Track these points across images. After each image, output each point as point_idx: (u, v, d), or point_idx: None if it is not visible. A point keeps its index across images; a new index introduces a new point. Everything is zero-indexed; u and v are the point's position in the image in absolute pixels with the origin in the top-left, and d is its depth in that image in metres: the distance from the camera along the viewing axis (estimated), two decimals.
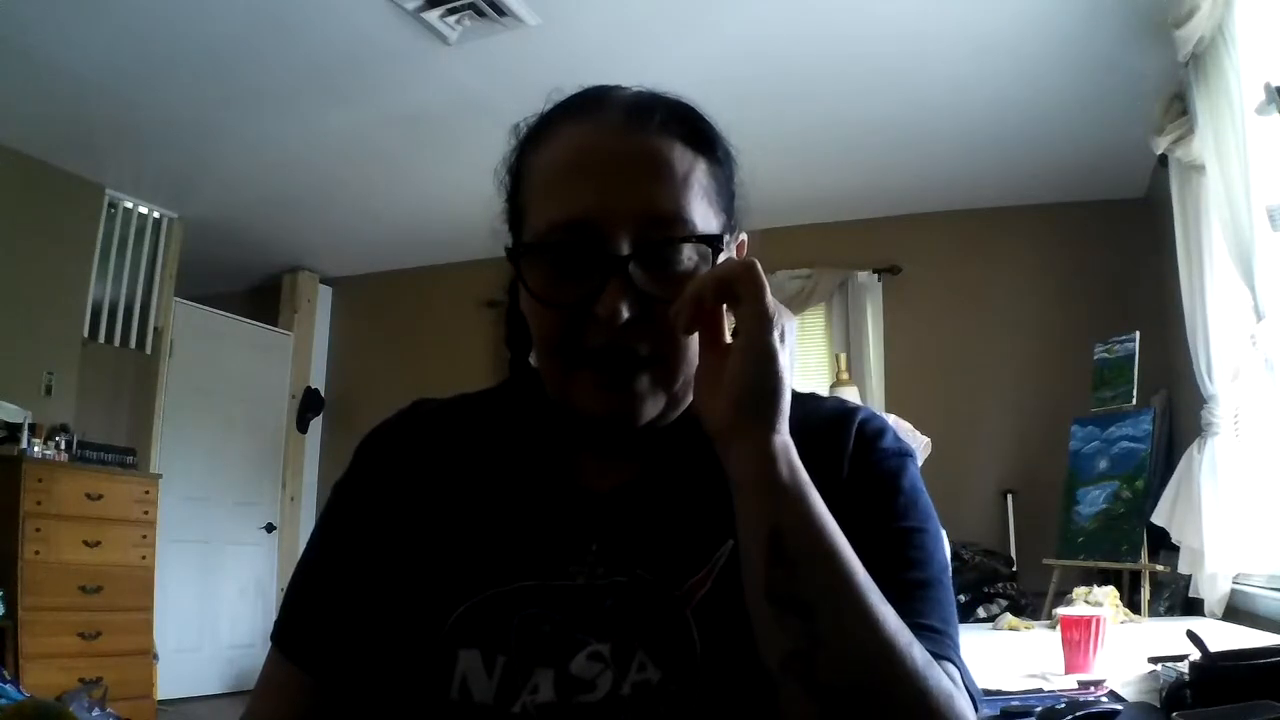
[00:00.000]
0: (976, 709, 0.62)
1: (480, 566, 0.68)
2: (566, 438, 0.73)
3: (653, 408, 0.67)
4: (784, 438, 0.60)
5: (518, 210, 0.71)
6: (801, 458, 0.63)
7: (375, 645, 0.70)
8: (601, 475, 0.72)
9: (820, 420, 0.72)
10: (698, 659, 0.63)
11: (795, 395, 0.71)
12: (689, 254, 0.65)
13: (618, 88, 0.72)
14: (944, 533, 0.72)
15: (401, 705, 0.68)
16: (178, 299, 5.06)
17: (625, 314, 0.63)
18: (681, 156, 0.67)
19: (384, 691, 0.70)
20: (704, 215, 0.67)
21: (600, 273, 0.63)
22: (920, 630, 0.59)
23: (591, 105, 0.70)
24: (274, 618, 0.76)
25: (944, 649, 0.61)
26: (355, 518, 0.75)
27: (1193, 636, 1.16)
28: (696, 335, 0.66)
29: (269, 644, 0.75)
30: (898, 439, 0.73)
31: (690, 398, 0.70)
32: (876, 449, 0.71)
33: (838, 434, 0.71)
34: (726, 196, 0.71)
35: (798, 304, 4.70)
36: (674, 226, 0.65)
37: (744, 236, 0.75)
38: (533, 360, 0.75)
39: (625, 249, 0.64)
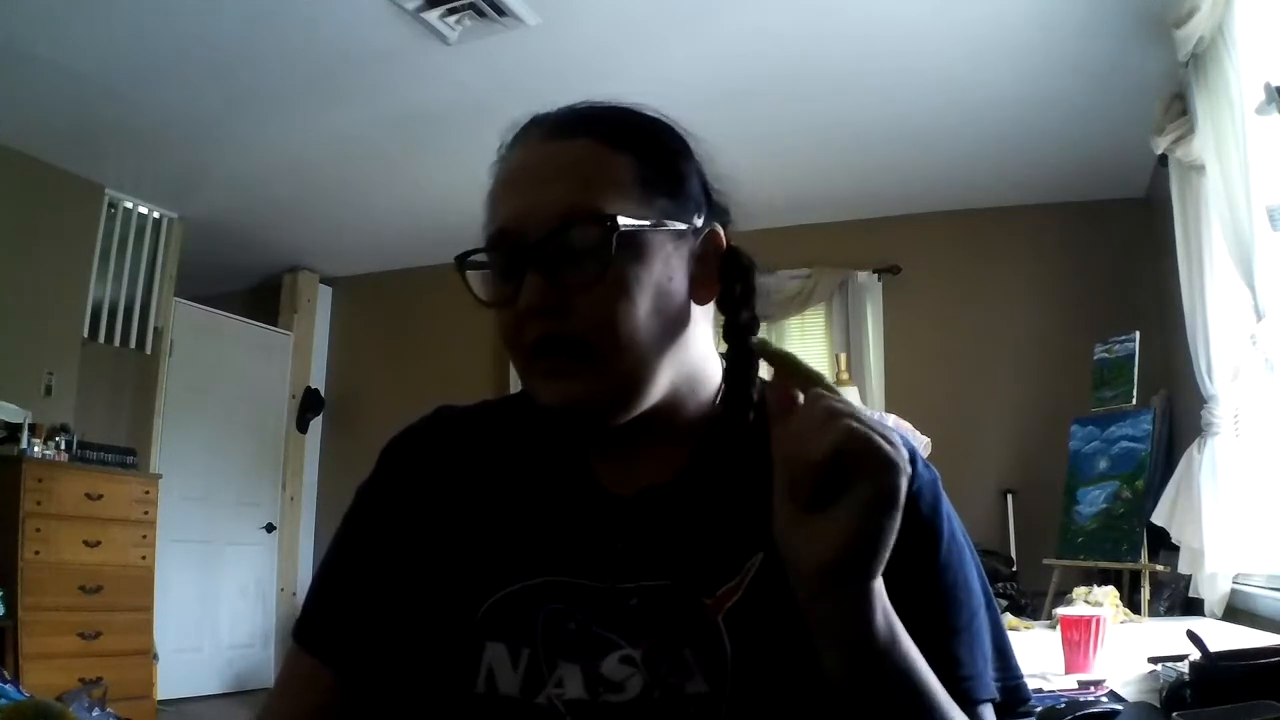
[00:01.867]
0: (1027, 703, 0.69)
1: (506, 562, 0.70)
2: (583, 443, 0.75)
3: (590, 387, 0.67)
4: (879, 581, 0.57)
5: None
6: None
7: (400, 641, 0.72)
8: (622, 478, 0.73)
9: None
10: (729, 667, 0.65)
11: None
12: (588, 242, 0.66)
13: (552, 110, 0.74)
14: (971, 548, 0.73)
15: (428, 698, 0.70)
16: (178, 299, 5.06)
17: (538, 301, 0.66)
18: (599, 154, 0.69)
19: (410, 685, 0.71)
20: (622, 204, 0.67)
21: (520, 270, 0.67)
22: (963, 682, 0.64)
23: (526, 128, 0.74)
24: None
25: (982, 690, 0.66)
26: (381, 519, 0.77)
27: (1193, 636, 1.16)
28: (637, 315, 0.67)
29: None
30: (927, 464, 0.73)
31: (653, 377, 0.69)
32: (913, 486, 0.69)
33: None
34: (669, 187, 0.71)
35: (798, 304, 4.70)
36: (579, 216, 0.66)
37: (718, 228, 0.74)
38: None
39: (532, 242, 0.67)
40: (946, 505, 0.71)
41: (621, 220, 0.66)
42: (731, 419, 0.72)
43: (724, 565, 0.67)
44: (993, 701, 0.67)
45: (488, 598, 0.69)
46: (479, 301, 0.71)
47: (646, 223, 0.68)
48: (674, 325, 0.70)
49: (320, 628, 0.75)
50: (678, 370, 0.71)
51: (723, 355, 0.76)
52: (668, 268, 0.69)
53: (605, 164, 0.69)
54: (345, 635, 0.74)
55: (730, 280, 0.73)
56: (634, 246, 0.67)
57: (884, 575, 0.61)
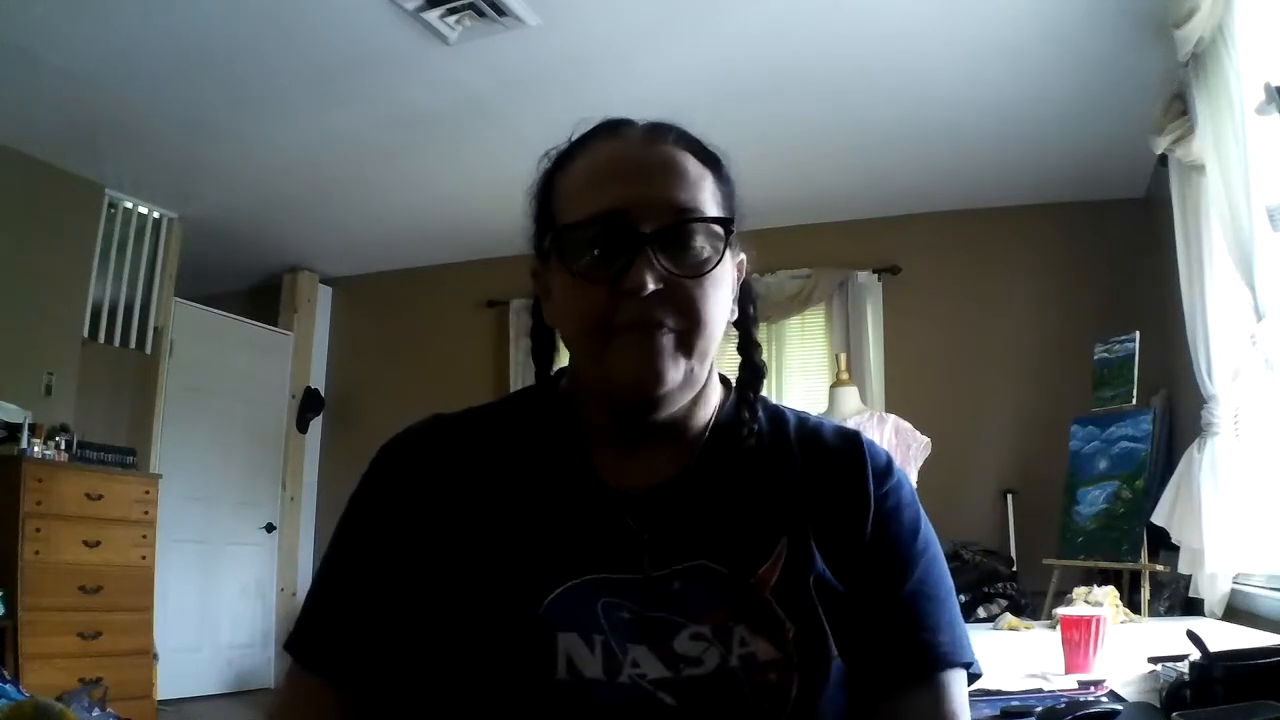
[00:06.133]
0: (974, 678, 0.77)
1: (544, 564, 0.72)
2: (588, 444, 0.79)
3: (675, 372, 0.73)
4: None
5: (549, 219, 0.79)
6: (815, 472, 0.78)
7: (421, 653, 0.72)
8: (626, 479, 0.77)
9: (830, 442, 0.82)
10: (791, 636, 0.71)
11: (783, 411, 0.84)
12: (702, 241, 0.74)
13: (632, 119, 0.81)
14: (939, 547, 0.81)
15: (488, 697, 0.69)
16: (178, 299, 5.06)
17: (650, 285, 0.71)
18: (694, 164, 0.77)
19: (460, 690, 0.70)
20: (714, 212, 0.77)
21: (629, 252, 0.72)
22: (926, 656, 0.73)
23: (615, 126, 0.80)
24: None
25: (959, 654, 0.75)
26: (387, 526, 0.77)
27: (1193, 636, 1.16)
28: (718, 317, 0.76)
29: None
30: (897, 467, 0.82)
31: (704, 377, 0.78)
32: (890, 482, 0.80)
33: (853, 459, 0.80)
34: (730, 210, 0.79)
35: (798, 304, 4.71)
36: (690, 214, 0.75)
37: (743, 258, 0.83)
38: (556, 366, 0.84)
39: (650, 230, 0.73)
40: (919, 510, 0.81)
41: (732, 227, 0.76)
42: (737, 425, 0.80)
43: (753, 549, 0.74)
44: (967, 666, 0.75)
45: (544, 595, 0.71)
46: (576, 275, 0.73)
47: (735, 232, 0.77)
48: (721, 335, 0.78)
49: (327, 644, 0.74)
50: (706, 377, 0.79)
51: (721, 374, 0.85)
52: (731, 281, 0.79)
53: (702, 174, 0.77)
54: (355, 651, 0.73)
55: (745, 303, 0.84)
56: (726, 253, 0.76)
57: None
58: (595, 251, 0.73)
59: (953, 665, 0.74)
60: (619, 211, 0.73)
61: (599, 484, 0.76)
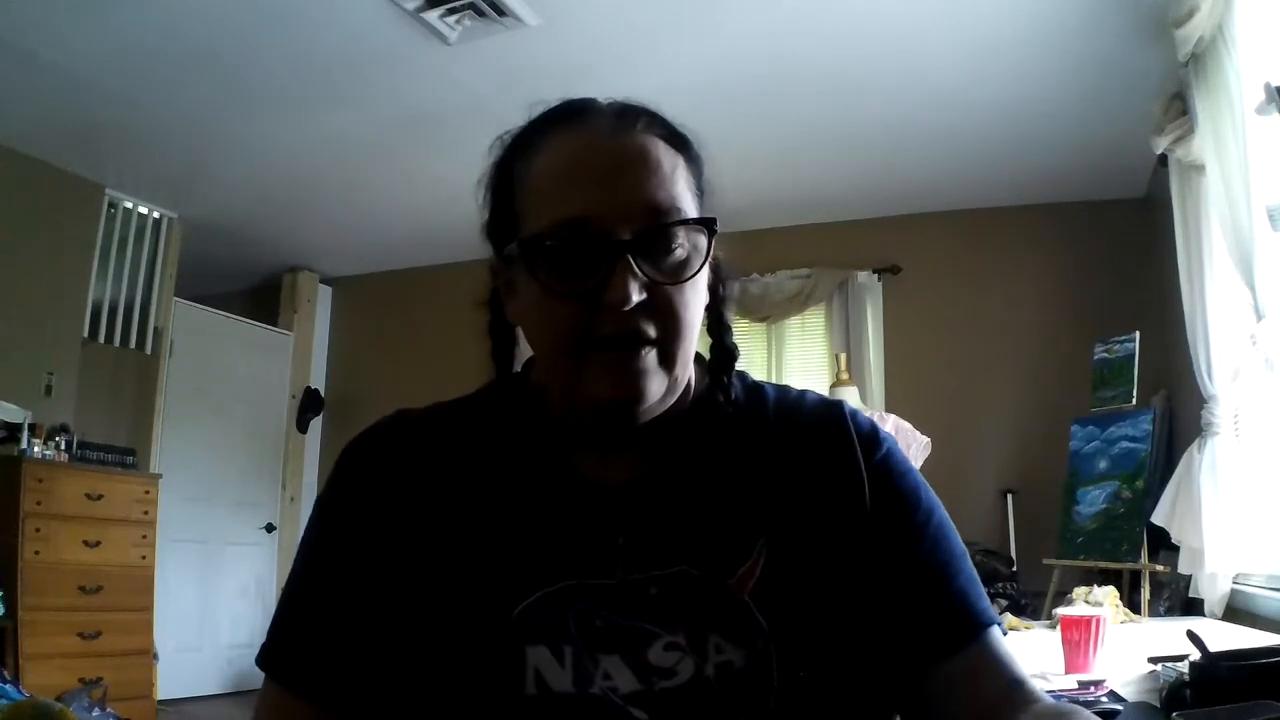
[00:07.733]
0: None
1: (519, 570, 0.69)
2: (563, 437, 0.74)
3: (657, 387, 0.69)
4: None
5: (511, 217, 0.73)
6: (796, 453, 0.74)
7: (395, 661, 0.69)
8: (605, 470, 0.73)
9: (810, 415, 0.78)
10: (769, 640, 0.68)
11: (764, 388, 0.80)
12: (682, 240, 0.69)
13: (596, 99, 0.75)
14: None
15: (458, 712, 0.67)
16: (178, 299, 5.06)
17: (635, 298, 0.66)
18: (666, 153, 0.71)
19: (433, 702, 0.68)
20: (691, 205, 0.71)
21: (606, 262, 0.66)
22: (971, 613, 0.70)
23: (579, 114, 0.73)
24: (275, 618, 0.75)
25: (992, 612, 0.72)
26: (353, 533, 0.73)
27: (1193, 636, 1.16)
28: (698, 318, 0.71)
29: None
30: (885, 432, 0.78)
31: (684, 382, 0.74)
32: (882, 451, 0.76)
33: (836, 431, 0.76)
34: (703, 192, 0.74)
35: (797, 304, 4.71)
36: (669, 215, 0.69)
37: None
38: (518, 368, 0.80)
39: (627, 237, 0.67)
40: (915, 472, 0.78)
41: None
42: (713, 410, 0.76)
43: (732, 549, 0.70)
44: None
45: (514, 605, 0.68)
46: (547, 291, 0.68)
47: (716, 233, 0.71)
48: (699, 331, 0.74)
49: (300, 659, 0.71)
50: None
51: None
52: (706, 275, 0.74)
53: (675, 163, 0.71)
54: (328, 665, 0.70)
55: (715, 283, 0.78)
56: (708, 251, 0.71)
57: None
58: (568, 264, 0.67)
59: (992, 623, 0.71)
60: (590, 219, 0.66)
61: (575, 476, 0.73)
